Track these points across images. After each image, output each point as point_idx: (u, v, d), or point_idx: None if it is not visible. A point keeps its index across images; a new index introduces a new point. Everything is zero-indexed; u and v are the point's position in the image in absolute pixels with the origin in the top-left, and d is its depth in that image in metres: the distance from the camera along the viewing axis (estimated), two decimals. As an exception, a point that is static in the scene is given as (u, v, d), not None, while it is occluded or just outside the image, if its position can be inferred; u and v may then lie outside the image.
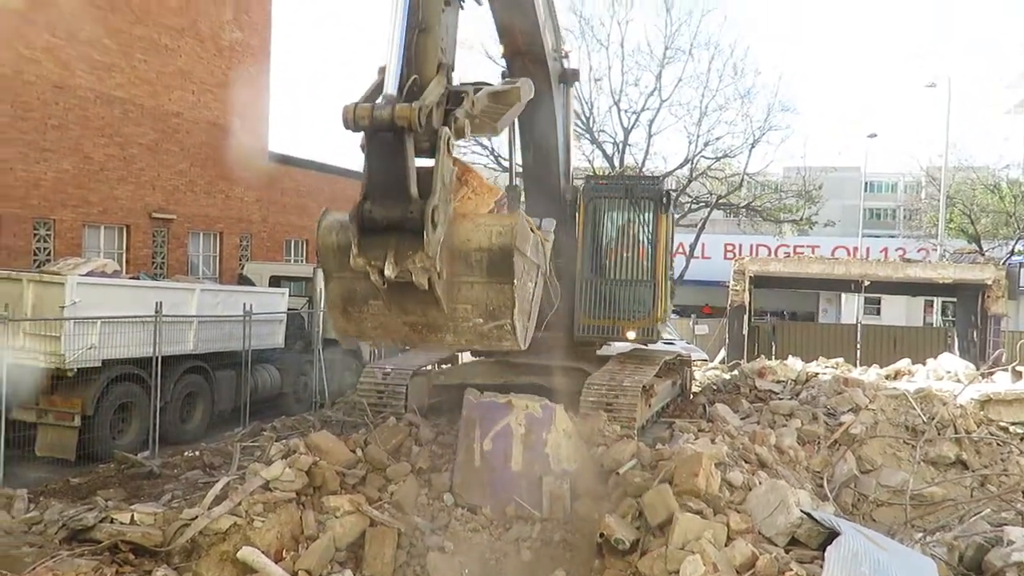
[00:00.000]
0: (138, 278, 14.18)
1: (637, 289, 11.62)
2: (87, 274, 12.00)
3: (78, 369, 10.96)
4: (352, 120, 5.60)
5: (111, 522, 6.97)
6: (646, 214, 11.81)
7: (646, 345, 12.99)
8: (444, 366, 13.07)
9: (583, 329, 11.68)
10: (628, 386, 10.23)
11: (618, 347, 13.13)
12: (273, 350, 15.16)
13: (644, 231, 11.81)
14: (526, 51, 9.52)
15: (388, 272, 5.76)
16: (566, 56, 10.93)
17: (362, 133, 5.69)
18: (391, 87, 5.69)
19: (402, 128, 5.55)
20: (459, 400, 8.99)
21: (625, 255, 11.87)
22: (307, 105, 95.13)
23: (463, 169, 6.57)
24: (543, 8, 9.30)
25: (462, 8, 6.82)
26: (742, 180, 31.10)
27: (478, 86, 6.64)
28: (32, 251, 15.97)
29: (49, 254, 16.04)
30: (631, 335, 11.54)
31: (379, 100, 5.65)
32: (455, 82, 6.39)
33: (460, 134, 6.08)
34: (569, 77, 10.96)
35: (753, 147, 29.85)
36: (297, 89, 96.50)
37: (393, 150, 5.66)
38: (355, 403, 11.70)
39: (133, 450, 11.18)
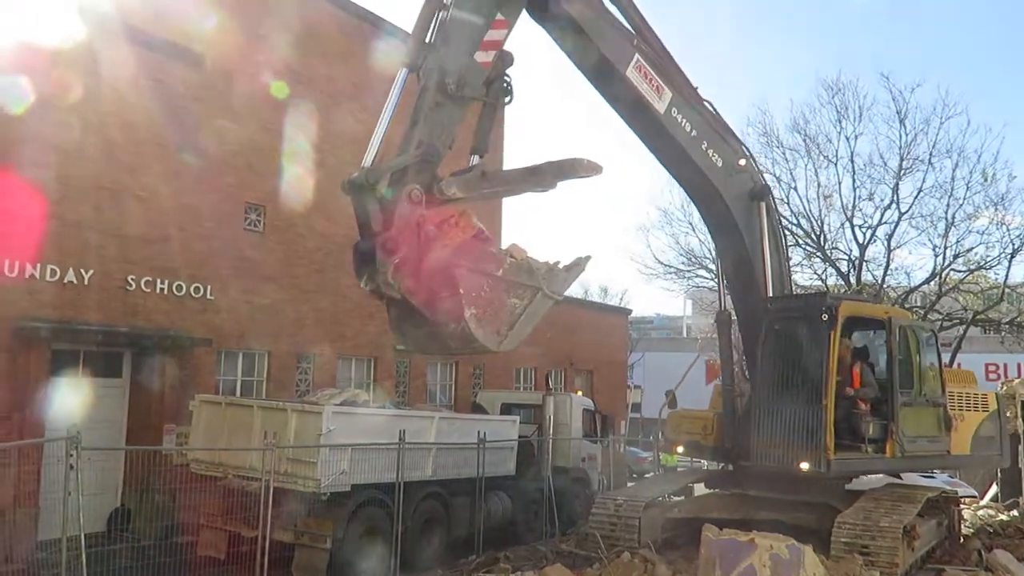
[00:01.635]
0: (384, 406, 15.15)
1: (807, 415, 10.44)
2: (340, 404, 13.01)
3: (331, 494, 11.73)
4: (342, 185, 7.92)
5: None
6: (817, 333, 10.66)
7: (899, 478, 11.93)
8: (677, 498, 12.63)
9: (760, 456, 10.87)
10: (886, 527, 9.29)
11: (869, 481, 12.06)
12: (505, 477, 15.39)
13: (815, 352, 10.65)
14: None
15: (363, 286, 7.72)
16: (748, 169, 11.28)
17: None
18: (368, 160, 7.84)
19: (360, 186, 7.70)
20: (695, 534, 8.59)
21: (797, 378, 10.78)
22: (531, 236, 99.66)
23: (460, 212, 8.16)
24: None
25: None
26: (1002, 293, 28.15)
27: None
28: (295, 382, 17.67)
29: (308, 385, 17.65)
30: (804, 466, 10.29)
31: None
32: None
33: (442, 199, 8.00)
34: (758, 193, 11.12)
35: (1013, 257, 27.07)
36: (523, 221, 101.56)
37: (357, 201, 7.79)
38: (587, 535, 11.53)
39: (376, 574, 11.64)
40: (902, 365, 11.08)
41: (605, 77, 9.84)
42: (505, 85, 8.97)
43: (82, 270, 13.82)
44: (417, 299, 7.70)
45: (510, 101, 9.08)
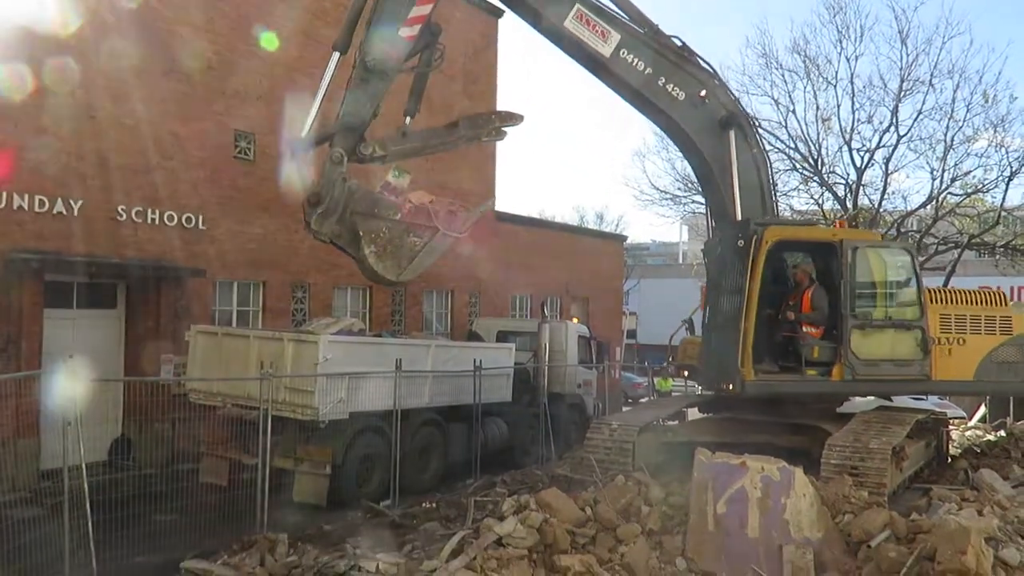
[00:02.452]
0: (380, 335, 15.22)
1: (730, 339, 10.71)
2: (336, 333, 13.07)
3: (329, 421, 11.88)
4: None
5: (359, 570, 7.40)
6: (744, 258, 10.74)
7: (890, 401, 12.04)
8: (672, 423, 12.79)
9: (703, 378, 12.15)
10: (875, 448, 9.41)
11: (859, 404, 12.21)
12: (501, 404, 15.60)
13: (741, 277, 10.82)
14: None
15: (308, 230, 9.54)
16: (717, 97, 11.26)
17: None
18: (304, 132, 9.45)
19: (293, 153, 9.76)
20: (688, 458, 8.69)
21: (732, 302, 11.01)
22: (528, 164, 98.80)
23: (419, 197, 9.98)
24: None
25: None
26: (998, 216, 28.07)
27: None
28: (291, 311, 17.69)
29: (304, 314, 17.67)
30: (728, 387, 10.83)
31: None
32: None
33: (362, 160, 9.62)
34: (727, 121, 11.05)
35: (1011, 180, 26.83)
36: (519, 150, 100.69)
37: (292, 166, 9.71)
38: (582, 459, 11.71)
39: (376, 499, 11.88)
40: (862, 287, 11.00)
41: (544, 26, 10.59)
42: (438, 54, 10.08)
43: (71, 200, 13.65)
44: (340, 242, 9.60)
45: (439, 66, 10.24)
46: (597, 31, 10.55)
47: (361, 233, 9.43)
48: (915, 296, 11.31)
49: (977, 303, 11.84)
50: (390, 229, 9.59)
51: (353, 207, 9.48)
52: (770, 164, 12.31)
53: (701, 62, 11.28)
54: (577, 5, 10.48)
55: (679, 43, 11.14)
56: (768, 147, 27.33)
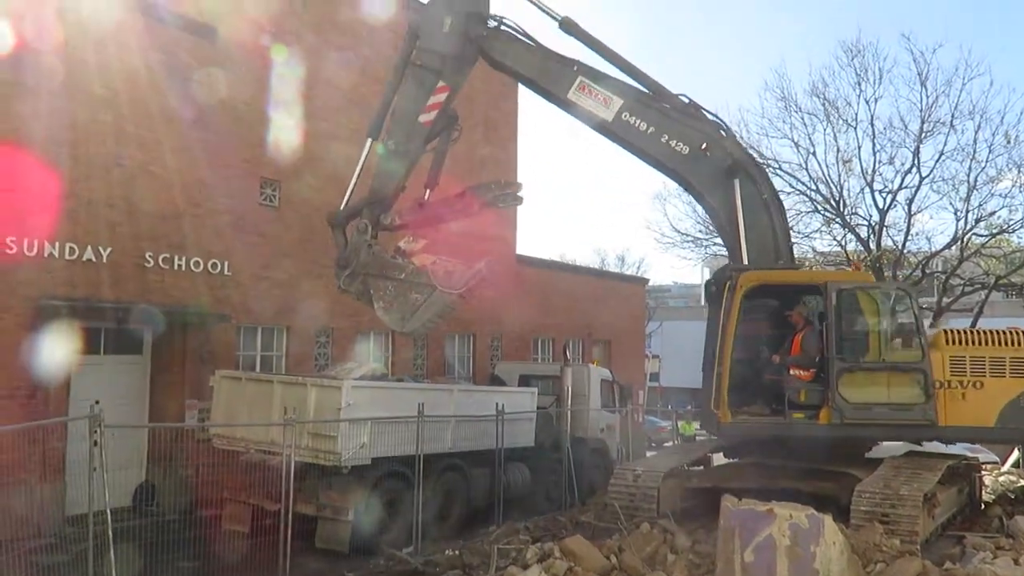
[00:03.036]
0: (402, 380, 15.23)
1: (711, 382, 11.02)
2: (359, 378, 13.09)
3: (352, 467, 11.84)
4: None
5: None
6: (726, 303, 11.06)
7: (920, 445, 11.81)
8: (696, 468, 12.64)
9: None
10: (906, 495, 9.22)
11: (888, 448, 12.02)
12: (524, 449, 15.48)
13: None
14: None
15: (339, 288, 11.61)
16: (722, 147, 11.76)
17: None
18: (342, 204, 11.71)
19: (331, 222, 11.84)
20: (714, 504, 8.57)
21: (715, 345, 11.32)
22: (547, 208, 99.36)
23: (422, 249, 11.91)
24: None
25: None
26: (1024, 258, 27.78)
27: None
28: (314, 356, 17.77)
29: (327, 359, 17.74)
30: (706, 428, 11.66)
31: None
32: None
33: (384, 229, 11.66)
34: (732, 170, 11.41)
35: (1035, 220, 26.61)
36: (539, 195, 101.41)
37: (331, 232, 11.82)
38: (606, 505, 11.58)
39: (398, 545, 11.78)
40: (850, 328, 10.89)
41: (552, 99, 11.85)
42: (455, 134, 12.10)
43: (100, 248, 13.89)
44: (363, 299, 11.41)
45: (456, 140, 12.24)
46: (599, 99, 11.56)
47: (372, 291, 11.15)
48: (913, 337, 11.04)
49: (1001, 344, 11.17)
50: (395, 287, 11.09)
51: (367, 269, 11.17)
52: (783, 208, 12.45)
53: (707, 115, 11.86)
54: (580, 78, 11.53)
55: (686, 100, 11.81)
56: (789, 189, 27.61)
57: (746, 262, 11.25)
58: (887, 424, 10.80)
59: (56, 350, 12.83)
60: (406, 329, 11.36)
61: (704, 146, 11.50)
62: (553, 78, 11.65)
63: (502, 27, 11.73)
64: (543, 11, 11.76)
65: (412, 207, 11.87)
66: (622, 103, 11.52)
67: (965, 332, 11.52)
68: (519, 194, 12.10)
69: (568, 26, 11.77)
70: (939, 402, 10.69)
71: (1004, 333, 11.31)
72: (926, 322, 21.97)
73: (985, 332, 11.39)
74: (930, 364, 10.71)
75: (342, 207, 11.54)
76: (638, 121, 11.52)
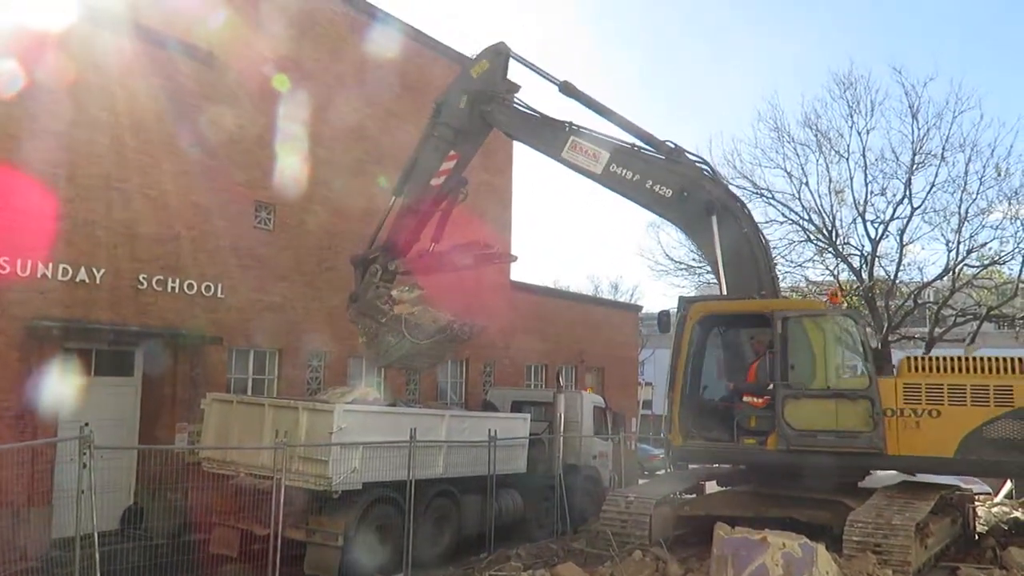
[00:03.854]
0: (395, 404, 15.16)
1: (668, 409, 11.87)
2: (351, 402, 13.02)
3: (342, 492, 11.74)
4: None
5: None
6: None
7: (913, 476, 11.82)
8: (689, 496, 12.61)
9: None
10: (899, 524, 9.22)
11: (882, 477, 12.01)
12: (516, 475, 15.38)
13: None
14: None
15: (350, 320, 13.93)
16: (703, 187, 12.58)
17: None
18: (368, 245, 13.56)
19: (354, 265, 13.79)
20: (706, 532, 8.56)
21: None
22: (542, 235, 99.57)
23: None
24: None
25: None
26: (1016, 289, 27.88)
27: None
28: (306, 380, 17.69)
29: (319, 383, 17.66)
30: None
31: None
32: None
33: (392, 273, 13.57)
34: (711, 208, 12.12)
35: (1027, 252, 26.74)
36: (534, 221, 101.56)
37: (355, 272, 13.75)
38: (598, 532, 11.52)
39: (388, 572, 11.67)
40: (796, 356, 10.95)
41: (548, 157, 13.27)
42: (462, 196, 13.92)
43: (94, 269, 13.86)
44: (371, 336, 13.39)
45: (463, 201, 14.06)
46: (589, 154, 12.86)
47: (359, 327, 13.35)
48: (859, 365, 11.01)
49: (962, 371, 10.67)
50: (376, 328, 13.02)
51: (364, 308, 13.06)
52: (764, 241, 13.01)
53: (691, 157, 12.86)
54: (572, 138, 12.91)
55: (672, 145, 12.81)
56: (782, 218, 27.80)
57: (725, 292, 11.91)
58: (833, 451, 10.69)
59: (46, 371, 12.77)
60: (378, 363, 14.07)
61: (684, 189, 12.32)
62: (548, 141, 13.17)
63: (504, 103, 13.59)
64: (545, 78, 13.51)
65: (414, 257, 13.82)
66: (609, 155, 12.72)
67: (926, 359, 11.30)
68: (512, 254, 15.19)
69: (567, 89, 13.37)
70: (890, 431, 10.44)
71: (965, 360, 10.97)
72: (918, 352, 22.05)
73: (946, 359, 10.99)
74: (877, 391, 10.56)
75: (369, 247, 13.57)
76: (624, 171, 12.64)
